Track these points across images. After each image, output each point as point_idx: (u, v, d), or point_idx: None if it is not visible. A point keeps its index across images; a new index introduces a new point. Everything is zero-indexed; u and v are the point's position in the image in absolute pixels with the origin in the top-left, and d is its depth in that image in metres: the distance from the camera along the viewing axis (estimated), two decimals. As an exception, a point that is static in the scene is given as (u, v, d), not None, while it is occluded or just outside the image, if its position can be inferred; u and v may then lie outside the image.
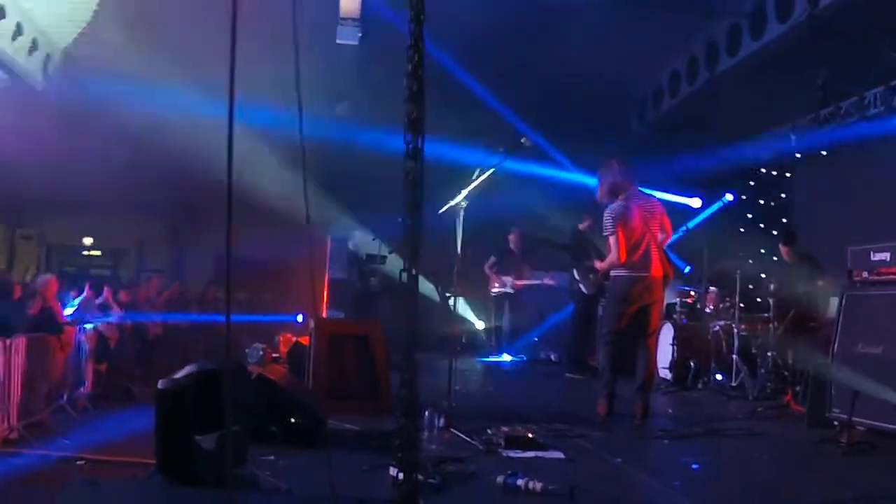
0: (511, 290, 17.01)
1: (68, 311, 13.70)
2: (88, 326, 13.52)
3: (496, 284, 17.19)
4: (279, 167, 13.36)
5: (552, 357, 16.21)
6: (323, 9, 13.15)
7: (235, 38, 3.39)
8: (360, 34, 14.72)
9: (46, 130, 15.81)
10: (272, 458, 6.70)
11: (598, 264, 10.27)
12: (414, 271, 3.61)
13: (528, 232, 17.21)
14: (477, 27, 14.23)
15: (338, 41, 14.21)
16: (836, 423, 8.71)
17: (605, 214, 9.59)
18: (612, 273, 9.71)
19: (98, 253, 25.03)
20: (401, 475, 4.09)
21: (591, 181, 11.98)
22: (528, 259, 17.37)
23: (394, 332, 9.52)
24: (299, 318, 17.85)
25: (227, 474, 4.56)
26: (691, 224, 16.42)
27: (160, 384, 6.04)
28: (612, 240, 9.52)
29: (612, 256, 9.56)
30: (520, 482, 5.80)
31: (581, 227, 14.48)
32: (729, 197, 17.42)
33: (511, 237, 17.44)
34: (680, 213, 15.58)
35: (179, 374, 6.12)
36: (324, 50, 13.64)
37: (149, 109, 15.68)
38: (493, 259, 17.40)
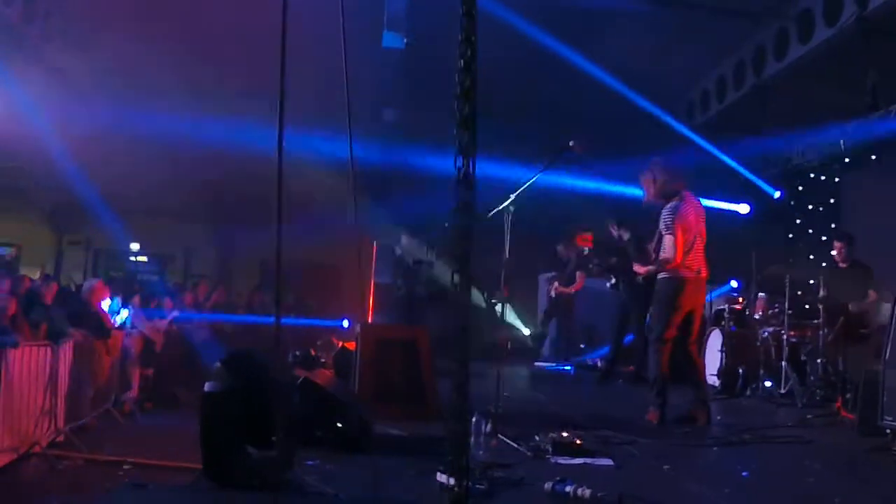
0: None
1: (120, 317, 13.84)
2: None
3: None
4: (326, 171, 13.40)
5: (598, 364, 16.11)
6: (369, 14, 13.18)
7: (286, 43, 3.36)
8: (405, 39, 14.76)
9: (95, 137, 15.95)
10: (318, 462, 6.68)
11: (639, 268, 10.04)
12: (466, 276, 3.56)
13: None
14: (520, 29, 14.21)
15: (384, 46, 14.25)
16: (888, 431, 8.58)
17: (666, 213, 9.39)
18: (664, 275, 9.46)
19: (144, 258, 25.20)
20: (448, 480, 4.05)
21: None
22: (583, 266, 17.32)
23: (439, 338, 9.49)
24: (345, 323, 17.88)
25: (274, 478, 4.56)
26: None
27: (206, 386, 6.03)
28: (669, 239, 9.29)
29: (668, 255, 9.30)
30: (568, 489, 5.75)
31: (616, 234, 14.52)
32: (777, 194, 17.33)
33: (560, 247, 17.48)
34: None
35: (226, 377, 6.10)
36: (370, 55, 13.70)
37: (195, 118, 15.81)
38: (554, 275, 17.66)
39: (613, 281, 14.49)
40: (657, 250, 9.53)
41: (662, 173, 9.54)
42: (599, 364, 15.89)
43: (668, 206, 9.40)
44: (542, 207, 16.19)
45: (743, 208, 17.47)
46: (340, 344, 14.26)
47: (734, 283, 15.88)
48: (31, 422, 9.95)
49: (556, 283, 17.36)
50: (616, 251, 14.32)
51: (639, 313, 13.97)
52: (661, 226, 9.46)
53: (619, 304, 14.46)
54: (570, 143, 8.80)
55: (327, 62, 5.51)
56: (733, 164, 17.21)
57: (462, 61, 3.31)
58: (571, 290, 17.05)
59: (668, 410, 9.39)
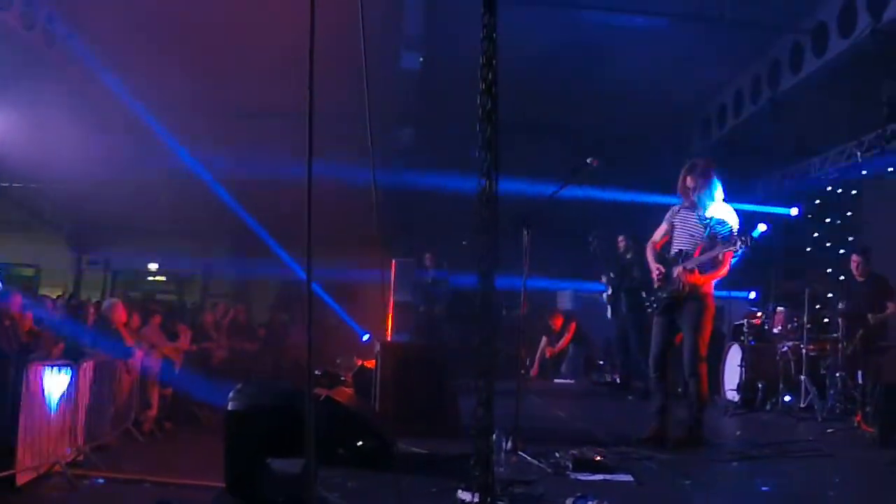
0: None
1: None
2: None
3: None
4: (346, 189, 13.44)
5: (617, 379, 16.12)
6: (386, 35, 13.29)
7: (313, 59, 3.40)
8: (421, 59, 14.85)
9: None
10: (340, 480, 6.69)
11: (703, 276, 8.88)
12: (490, 295, 3.60)
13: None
14: (536, 49, 14.27)
15: (401, 66, 14.35)
16: (909, 444, 8.58)
17: (737, 220, 8.95)
18: (707, 292, 8.92)
19: (163, 278, 25.31)
20: (469, 497, 4.07)
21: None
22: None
23: (459, 356, 9.49)
24: (365, 337, 17.96)
25: (297, 496, 4.59)
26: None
27: (230, 404, 6.06)
28: (723, 249, 8.78)
29: (722, 265, 8.88)
30: (589, 504, 5.75)
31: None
32: (794, 211, 17.29)
33: (555, 321, 18.17)
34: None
35: (250, 395, 6.14)
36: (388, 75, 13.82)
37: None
38: (545, 340, 18.18)
39: (610, 292, 14.62)
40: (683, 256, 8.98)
41: (702, 177, 8.99)
42: (618, 380, 15.91)
43: (731, 217, 8.94)
44: (561, 221, 16.32)
45: (761, 227, 17.40)
46: (360, 362, 14.30)
47: (752, 295, 15.87)
48: (52, 441, 10.01)
49: (548, 348, 17.98)
50: (619, 266, 14.38)
51: (638, 326, 13.98)
52: (712, 234, 8.86)
53: (618, 319, 14.64)
54: (589, 160, 8.76)
55: (347, 83, 5.56)
56: (737, 205, 17.15)
57: (483, 84, 3.34)
58: (558, 349, 17.70)
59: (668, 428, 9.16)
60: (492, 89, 3.36)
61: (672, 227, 9.23)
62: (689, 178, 9.01)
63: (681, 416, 9.08)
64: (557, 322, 18.23)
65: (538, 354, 18.36)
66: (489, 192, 3.43)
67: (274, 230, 18.66)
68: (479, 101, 3.40)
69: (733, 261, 8.98)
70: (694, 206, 9.02)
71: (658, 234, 9.37)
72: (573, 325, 17.95)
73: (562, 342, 17.91)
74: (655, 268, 9.13)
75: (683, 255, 8.92)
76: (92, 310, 14.18)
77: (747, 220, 9.82)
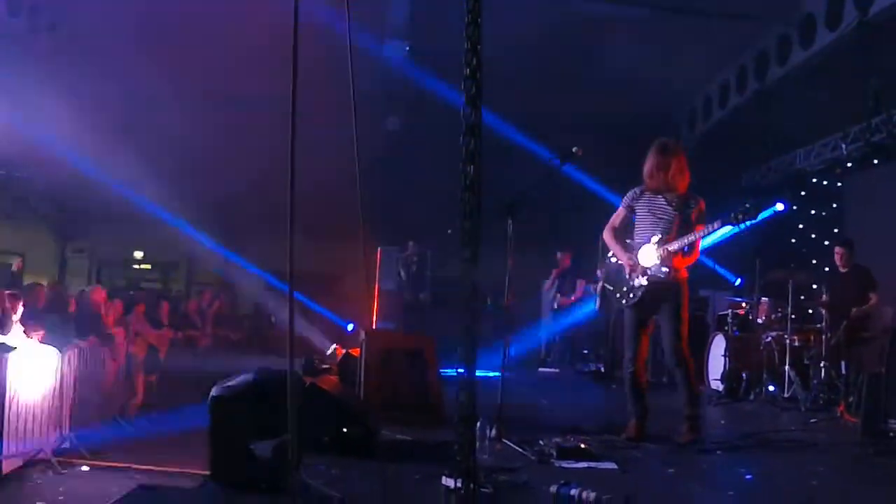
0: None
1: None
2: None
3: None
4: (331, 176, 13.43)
5: (601, 368, 16.13)
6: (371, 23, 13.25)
7: (297, 54, 3.41)
8: (406, 48, 14.81)
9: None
10: (324, 467, 6.70)
11: (685, 259, 8.70)
12: (474, 282, 3.61)
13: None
14: (519, 41, 14.24)
15: (385, 55, 14.30)
16: (891, 433, 8.62)
17: (695, 204, 8.70)
18: (683, 276, 8.73)
19: (148, 266, 25.23)
20: (455, 483, 4.07)
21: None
22: (583, 274, 17.65)
23: (445, 344, 9.48)
24: (350, 326, 17.97)
25: (291, 483, 4.60)
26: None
27: (214, 390, 6.06)
28: (701, 232, 8.58)
29: (696, 254, 8.76)
30: (573, 492, 5.74)
31: None
32: (780, 206, 17.31)
33: (560, 255, 17.85)
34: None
35: (233, 381, 6.15)
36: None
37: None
38: (552, 279, 17.90)
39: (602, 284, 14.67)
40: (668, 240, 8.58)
41: (675, 157, 8.72)
42: (602, 369, 15.93)
43: (698, 199, 8.74)
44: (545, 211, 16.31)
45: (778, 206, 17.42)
46: (340, 350, 14.30)
47: (738, 281, 15.92)
48: (38, 428, 9.98)
49: (558, 296, 17.68)
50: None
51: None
52: (685, 216, 8.66)
53: (605, 310, 14.68)
54: (574, 149, 8.71)
55: (332, 68, 5.55)
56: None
57: (468, 69, 3.35)
58: (572, 299, 17.43)
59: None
60: (476, 74, 3.37)
61: (632, 212, 8.98)
62: (660, 158, 8.72)
63: (676, 407, 8.87)
64: (566, 260, 17.98)
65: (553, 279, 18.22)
66: (472, 178, 3.43)
67: (258, 218, 18.61)
68: (462, 86, 3.40)
69: (731, 232, 8.88)
70: (660, 189, 8.77)
71: (617, 219, 9.10)
72: (583, 282, 17.84)
73: (577, 292, 17.71)
74: (627, 257, 8.88)
75: (662, 241, 8.63)
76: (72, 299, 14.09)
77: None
